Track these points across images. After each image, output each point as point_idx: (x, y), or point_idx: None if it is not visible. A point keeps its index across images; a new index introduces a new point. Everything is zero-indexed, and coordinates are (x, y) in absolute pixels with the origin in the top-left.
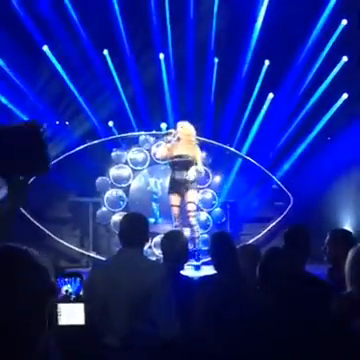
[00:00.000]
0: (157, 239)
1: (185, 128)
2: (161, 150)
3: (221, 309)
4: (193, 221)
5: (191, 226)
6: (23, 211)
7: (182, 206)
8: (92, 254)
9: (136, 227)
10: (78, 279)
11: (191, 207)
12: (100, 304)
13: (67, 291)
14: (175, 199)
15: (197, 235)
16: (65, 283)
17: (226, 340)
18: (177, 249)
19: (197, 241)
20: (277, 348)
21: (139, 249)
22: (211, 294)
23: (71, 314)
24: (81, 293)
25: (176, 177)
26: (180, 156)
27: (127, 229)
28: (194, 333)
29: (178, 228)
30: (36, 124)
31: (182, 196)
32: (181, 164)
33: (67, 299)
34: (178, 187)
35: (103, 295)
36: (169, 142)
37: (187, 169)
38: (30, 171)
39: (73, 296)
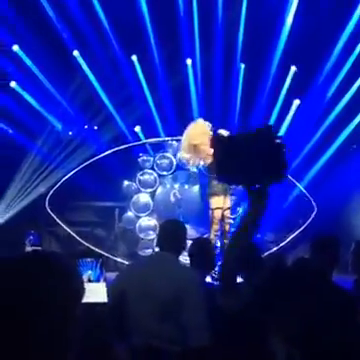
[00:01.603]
0: None
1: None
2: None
3: (249, 316)
4: (228, 228)
5: (226, 232)
6: (52, 214)
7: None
8: (117, 258)
9: (176, 233)
10: (99, 262)
11: (229, 213)
12: (128, 306)
13: (89, 279)
14: (218, 202)
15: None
16: (86, 267)
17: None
18: (205, 256)
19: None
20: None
21: (175, 255)
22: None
23: (94, 292)
24: (102, 279)
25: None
26: None
27: (167, 234)
28: (218, 342)
29: (217, 233)
30: (270, 128)
31: (223, 200)
32: None
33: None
34: (221, 190)
35: (133, 297)
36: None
37: None
38: (269, 179)
39: (94, 282)
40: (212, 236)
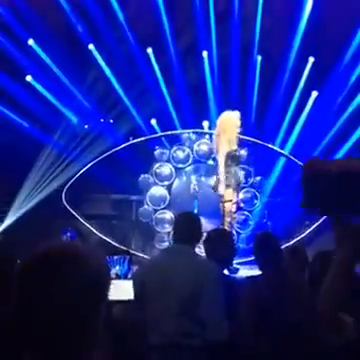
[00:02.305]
0: None
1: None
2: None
3: (270, 311)
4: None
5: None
6: (68, 208)
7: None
8: (134, 251)
9: (192, 225)
10: (127, 259)
11: (236, 208)
12: (148, 301)
13: (116, 274)
14: (230, 194)
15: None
16: (114, 263)
17: (275, 342)
18: (222, 248)
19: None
20: (328, 351)
21: (192, 247)
22: (258, 295)
23: (120, 290)
24: (129, 276)
25: (235, 170)
26: (237, 150)
27: (182, 226)
28: (240, 335)
29: (230, 225)
30: None
31: (234, 192)
32: (238, 159)
33: (116, 278)
34: (234, 183)
35: (152, 292)
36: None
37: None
38: None
39: (122, 278)
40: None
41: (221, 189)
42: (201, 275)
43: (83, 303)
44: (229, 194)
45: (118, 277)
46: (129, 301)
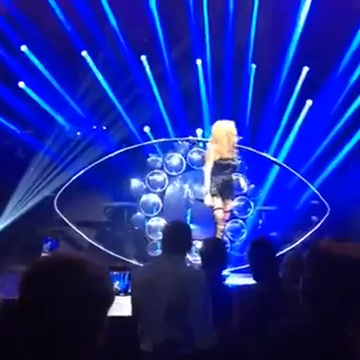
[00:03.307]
0: None
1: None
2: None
3: (263, 320)
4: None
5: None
6: (61, 215)
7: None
8: (127, 259)
9: (180, 234)
10: (127, 275)
11: (229, 216)
12: (139, 310)
13: (116, 289)
14: (217, 202)
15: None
16: (114, 278)
17: (268, 351)
18: (217, 256)
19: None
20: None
21: (181, 256)
22: (252, 304)
23: (118, 306)
24: (129, 290)
25: (227, 179)
26: (233, 159)
27: (170, 236)
28: (232, 343)
29: (222, 233)
30: None
31: (227, 201)
32: (233, 168)
33: (115, 294)
34: (228, 191)
35: (141, 300)
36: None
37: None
38: None
39: (122, 293)
40: (218, 237)
41: (207, 199)
42: (187, 284)
43: (85, 312)
44: (218, 202)
45: (118, 293)
46: (129, 317)
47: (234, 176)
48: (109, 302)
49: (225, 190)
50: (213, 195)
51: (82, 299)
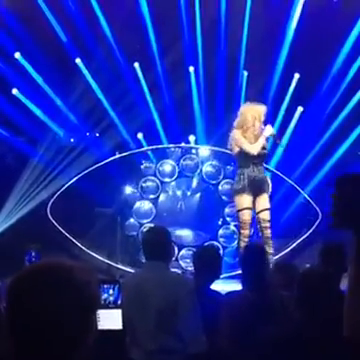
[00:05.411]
0: (183, 252)
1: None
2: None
3: (252, 326)
4: (268, 234)
5: (266, 239)
6: (53, 222)
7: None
8: (120, 266)
9: (158, 241)
10: (117, 287)
11: (268, 216)
12: (128, 319)
13: (105, 300)
14: (249, 201)
15: (271, 252)
16: (104, 291)
17: (257, 358)
18: (209, 264)
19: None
20: None
21: (163, 263)
22: (241, 310)
23: (109, 319)
24: (119, 302)
25: (255, 174)
26: (264, 148)
27: (149, 243)
28: (221, 349)
29: (247, 239)
30: None
31: (255, 199)
32: (263, 158)
33: (105, 306)
34: (257, 187)
35: (130, 309)
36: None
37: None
38: None
39: (111, 305)
40: (242, 243)
41: (237, 198)
42: (173, 290)
43: (72, 317)
44: (241, 201)
45: (107, 305)
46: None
47: (257, 167)
48: (97, 305)
49: (254, 185)
50: (238, 192)
51: (70, 303)
